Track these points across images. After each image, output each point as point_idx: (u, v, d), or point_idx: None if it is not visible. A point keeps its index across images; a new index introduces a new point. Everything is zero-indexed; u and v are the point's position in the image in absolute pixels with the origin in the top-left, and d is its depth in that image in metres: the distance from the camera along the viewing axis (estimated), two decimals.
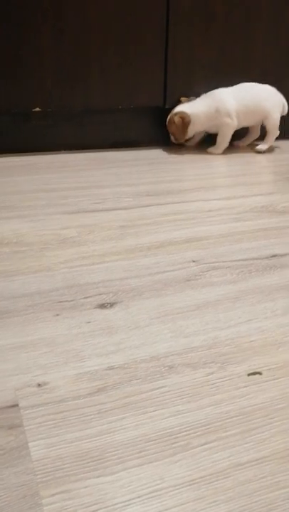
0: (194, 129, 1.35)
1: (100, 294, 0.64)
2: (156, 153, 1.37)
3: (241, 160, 1.33)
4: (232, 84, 1.37)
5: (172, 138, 1.39)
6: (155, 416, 0.44)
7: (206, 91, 1.37)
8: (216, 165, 1.28)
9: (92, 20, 1.21)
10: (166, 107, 1.37)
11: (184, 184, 1.11)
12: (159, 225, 0.87)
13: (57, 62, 1.23)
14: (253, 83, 1.36)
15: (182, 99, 1.36)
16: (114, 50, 1.26)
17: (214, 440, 0.41)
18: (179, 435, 0.42)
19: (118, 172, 1.18)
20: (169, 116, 1.34)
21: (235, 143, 1.48)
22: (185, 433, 0.42)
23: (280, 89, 1.38)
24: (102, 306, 0.61)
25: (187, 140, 1.39)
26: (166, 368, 0.50)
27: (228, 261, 0.74)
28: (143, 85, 1.32)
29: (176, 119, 1.31)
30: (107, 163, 1.26)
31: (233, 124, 1.34)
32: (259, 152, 1.40)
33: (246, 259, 0.75)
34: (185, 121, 1.31)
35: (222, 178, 1.16)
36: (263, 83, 1.38)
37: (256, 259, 0.75)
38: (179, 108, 1.33)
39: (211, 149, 1.38)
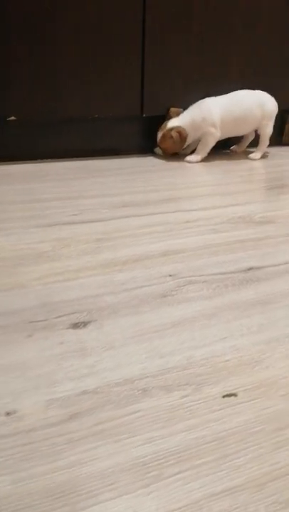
0: (187, 142, 1.35)
1: (74, 313, 0.63)
2: (135, 162, 1.36)
3: (220, 169, 1.33)
4: (209, 91, 1.37)
5: (160, 151, 1.40)
6: (128, 444, 0.43)
7: (183, 99, 1.37)
8: (194, 174, 1.28)
9: (68, 29, 1.20)
10: (144, 115, 1.36)
11: (162, 194, 1.10)
12: (136, 238, 0.86)
13: (33, 71, 1.21)
14: (247, 91, 1.37)
15: (172, 109, 1.35)
16: (91, 59, 1.25)
17: (188, 469, 0.40)
18: (151, 464, 0.41)
19: (96, 182, 1.17)
20: (161, 132, 1.33)
21: (233, 148, 1.49)
22: (158, 462, 0.41)
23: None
24: (76, 325, 0.60)
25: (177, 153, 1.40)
26: (140, 392, 0.49)
27: (204, 275, 0.74)
28: (120, 94, 1.31)
29: (174, 134, 1.33)
30: (85, 173, 1.24)
31: (216, 135, 1.34)
32: (253, 159, 1.43)
33: (223, 273, 0.74)
34: (183, 135, 1.33)
35: (200, 188, 1.16)
36: (240, 88, 1.38)
37: (233, 272, 0.75)
38: (172, 123, 1.32)
39: (189, 158, 1.38)
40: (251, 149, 1.49)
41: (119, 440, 0.43)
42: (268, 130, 1.40)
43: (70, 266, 0.75)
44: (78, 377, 0.51)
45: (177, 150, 1.37)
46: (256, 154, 1.44)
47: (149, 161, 1.38)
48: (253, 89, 1.39)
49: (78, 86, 1.26)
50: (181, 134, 1.32)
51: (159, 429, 0.44)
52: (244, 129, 1.41)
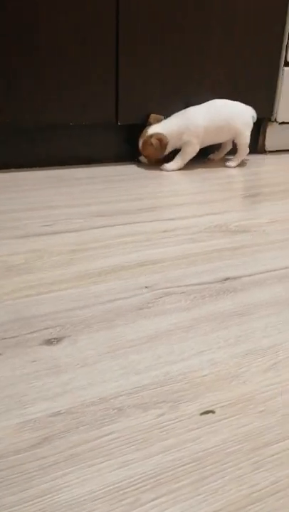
0: (168, 149, 1.34)
1: (47, 328, 0.61)
2: (110, 171, 1.35)
3: (197, 177, 1.33)
4: (185, 100, 1.37)
5: (144, 160, 1.39)
6: (103, 468, 0.41)
7: (158, 107, 1.36)
8: (171, 182, 1.27)
9: (42, 35, 1.18)
10: (119, 123, 1.35)
11: (138, 203, 1.09)
12: (111, 248, 0.85)
13: (7, 78, 1.19)
14: (225, 101, 1.37)
15: (152, 116, 1.34)
16: (66, 66, 1.23)
17: (165, 494, 0.39)
18: (127, 490, 0.39)
19: (70, 191, 1.15)
20: (143, 139, 1.32)
21: (210, 156, 1.49)
22: (134, 487, 0.39)
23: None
24: (49, 342, 0.58)
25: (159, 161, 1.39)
26: (116, 411, 0.47)
27: (181, 286, 0.73)
28: (95, 102, 1.30)
29: (154, 141, 1.31)
30: (59, 182, 1.22)
31: (196, 147, 1.34)
32: (229, 167, 1.43)
33: (200, 284, 0.73)
34: (163, 142, 1.31)
35: (177, 197, 1.15)
36: (215, 97, 1.39)
37: (210, 283, 0.74)
38: (152, 129, 1.31)
39: (167, 166, 1.37)
40: (229, 157, 1.50)
41: (93, 465, 0.41)
42: (245, 140, 1.40)
43: (43, 279, 0.73)
44: (51, 397, 0.49)
45: (159, 157, 1.36)
46: (232, 163, 1.44)
47: (124, 170, 1.37)
48: (229, 99, 1.39)
49: (53, 94, 1.24)
50: (161, 140, 1.31)
51: (135, 452, 0.43)
52: (222, 138, 1.41)
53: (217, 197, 1.16)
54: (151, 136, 1.31)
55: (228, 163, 1.44)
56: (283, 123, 1.62)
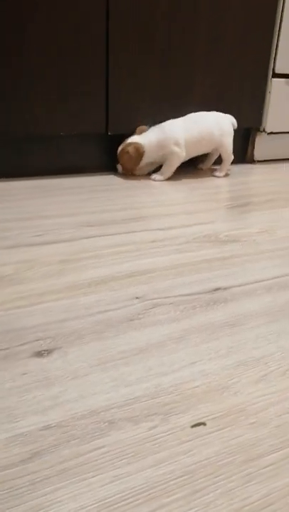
0: (145, 160, 1.34)
1: (38, 340, 0.60)
2: (100, 181, 1.35)
3: (185, 187, 1.33)
4: (174, 110, 1.38)
5: (120, 169, 1.39)
6: (94, 483, 0.41)
7: (148, 117, 1.37)
8: (160, 192, 1.27)
9: (32, 45, 1.18)
10: (109, 133, 1.35)
11: (128, 213, 1.09)
12: (101, 259, 0.84)
13: None
14: (202, 112, 1.39)
15: (138, 128, 1.35)
16: (55, 77, 1.23)
17: (156, 508, 0.38)
18: (119, 505, 0.39)
19: (60, 201, 1.15)
20: (121, 147, 1.33)
21: (199, 166, 1.51)
22: (125, 501, 0.39)
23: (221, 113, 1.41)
24: (39, 354, 0.58)
25: (134, 171, 1.39)
26: (106, 424, 0.47)
27: (171, 296, 0.73)
28: (85, 112, 1.30)
29: (131, 149, 1.32)
30: (49, 192, 1.22)
31: (181, 154, 1.35)
32: (218, 177, 1.45)
33: (190, 294, 0.73)
34: (140, 151, 1.33)
35: (166, 206, 1.15)
36: (205, 107, 1.40)
37: (200, 293, 0.74)
38: (131, 139, 1.32)
39: (155, 176, 1.38)
40: (215, 166, 1.51)
41: (85, 479, 0.41)
42: (227, 148, 1.42)
43: (33, 290, 0.72)
44: (41, 411, 0.49)
45: (133, 166, 1.36)
46: (219, 173, 1.46)
47: (114, 180, 1.38)
48: (218, 109, 1.41)
49: (42, 104, 1.24)
50: (137, 149, 1.31)
51: (126, 466, 0.42)
52: (205, 148, 1.42)
53: (206, 207, 1.16)
54: (129, 144, 1.32)
55: (216, 174, 1.45)
56: (272, 133, 1.63)
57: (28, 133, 1.26)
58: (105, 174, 1.42)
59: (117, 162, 1.40)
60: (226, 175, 1.48)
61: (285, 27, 1.47)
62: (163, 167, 1.38)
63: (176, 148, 1.34)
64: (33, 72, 1.21)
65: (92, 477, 0.41)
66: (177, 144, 1.33)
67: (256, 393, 0.52)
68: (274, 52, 1.50)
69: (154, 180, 1.37)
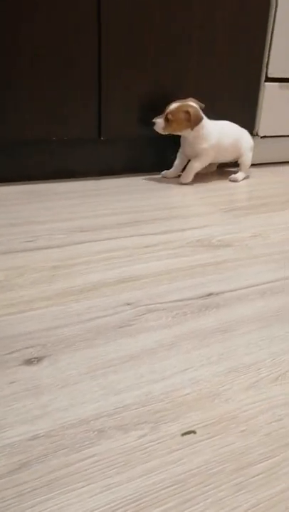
0: (184, 130, 1.33)
1: (27, 348, 0.60)
2: (92, 185, 1.35)
3: (177, 191, 1.33)
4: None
5: (161, 125, 1.32)
6: (83, 493, 0.40)
7: (140, 122, 1.37)
8: (152, 196, 1.27)
9: (24, 50, 1.18)
10: (102, 138, 1.35)
11: (120, 217, 1.09)
12: (93, 264, 0.84)
13: None
14: (230, 123, 1.44)
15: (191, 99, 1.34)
16: (47, 81, 1.23)
17: None
18: None
19: (52, 206, 1.15)
20: (177, 103, 1.30)
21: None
22: None
23: (210, 118, 1.41)
24: (29, 362, 0.57)
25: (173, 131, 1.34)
26: (96, 433, 0.47)
27: (163, 302, 0.72)
28: (77, 117, 1.30)
29: (192, 110, 1.28)
30: (41, 197, 1.22)
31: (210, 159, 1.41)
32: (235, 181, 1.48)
33: (182, 300, 0.73)
34: (198, 118, 1.30)
35: (159, 211, 1.15)
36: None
37: (192, 298, 0.74)
38: (193, 102, 1.32)
39: (183, 179, 1.41)
40: (232, 169, 1.51)
41: (74, 490, 0.41)
42: (248, 161, 1.49)
43: (24, 296, 0.72)
44: (30, 420, 0.48)
45: (180, 129, 1.32)
46: (236, 176, 1.48)
47: (106, 184, 1.37)
48: (212, 114, 1.41)
49: (35, 109, 1.24)
50: (197, 116, 1.30)
51: (116, 475, 0.42)
52: (228, 157, 1.47)
53: (200, 211, 1.16)
54: (190, 106, 1.30)
55: (233, 177, 1.48)
56: (265, 137, 1.64)
57: (20, 138, 1.26)
58: (98, 179, 1.42)
59: (159, 116, 1.33)
60: (219, 179, 1.48)
61: (278, 31, 1.48)
62: (188, 167, 1.40)
63: (210, 151, 1.38)
64: (24, 76, 1.20)
65: (82, 487, 0.41)
66: (212, 147, 1.38)
67: (247, 400, 0.52)
68: (267, 56, 1.51)
69: (184, 182, 1.40)
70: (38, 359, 0.58)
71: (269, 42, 1.49)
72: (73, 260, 0.85)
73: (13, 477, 0.41)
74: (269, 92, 1.55)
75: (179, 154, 1.45)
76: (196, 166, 1.39)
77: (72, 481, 0.41)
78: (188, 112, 1.28)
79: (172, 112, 1.29)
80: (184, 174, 1.40)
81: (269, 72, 1.52)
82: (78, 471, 0.42)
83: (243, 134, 1.46)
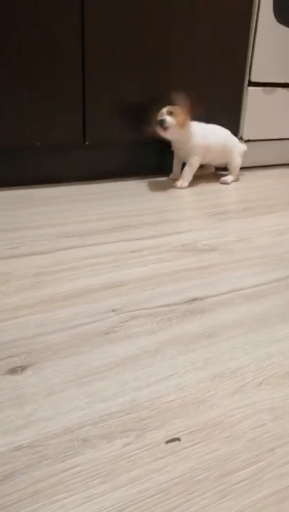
0: (175, 134, 1.34)
1: (11, 356, 0.59)
2: (78, 190, 1.35)
3: (162, 196, 1.34)
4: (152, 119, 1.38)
5: (170, 121, 1.30)
6: (67, 504, 0.40)
7: (124, 126, 1.37)
8: (138, 201, 1.27)
9: (6, 55, 1.17)
10: (87, 143, 1.35)
11: (105, 223, 1.09)
12: (79, 270, 0.84)
13: None
14: (213, 125, 1.46)
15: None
16: (31, 86, 1.23)
17: None
18: None
19: (38, 212, 1.14)
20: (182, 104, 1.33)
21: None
22: None
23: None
24: (13, 371, 0.57)
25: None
26: (80, 442, 0.47)
27: (148, 308, 0.72)
28: (62, 122, 1.30)
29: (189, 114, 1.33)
30: (27, 202, 1.21)
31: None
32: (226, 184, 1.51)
33: (167, 305, 0.73)
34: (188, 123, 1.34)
35: (145, 216, 1.15)
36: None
37: (177, 304, 0.74)
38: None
39: (179, 183, 1.43)
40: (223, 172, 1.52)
41: (57, 501, 0.40)
42: (237, 167, 1.52)
43: (8, 304, 0.71)
44: (14, 430, 0.48)
45: (183, 125, 1.34)
46: (226, 178, 1.52)
47: (92, 189, 1.37)
48: (197, 118, 1.42)
49: (19, 114, 1.24)
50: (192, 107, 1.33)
51: (100, 485, 0.42)
52: (217, 161, 1.50)
53: (185, 215, 1.17)
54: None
55: (223, 179, 1.52)
56: (249, 140, 1.65)
57: (5, 143, 1.25)
58: (84, 184, 1.42)
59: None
60: (203, 184, 1.49)
61: (260, 36, 1.49)
62: (184, 172, 1.43)
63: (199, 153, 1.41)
64: (7, 82, 1.20)
65: (65, 498, 0.41)
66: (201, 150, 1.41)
67: (232, 406, 0.52)
68: (249, 61, 1.52)
69: (180, 187, 1.42)
70: (23, 368, 0.57)
71: (251, 47, 1.50)
72: (59, 266, 0.85)
73: None
74: (252, 96, 1.57)
75: (174, 157, 1.50)
76: (189, 169, 1.41)
77: (56, 492, 0.41)
78: (183, 106, 1.32)
79: (173, 108, 1.32)
80: (180, 180, 1.43)
81: (252, 76, 1.54)
82: (62, 482, 0.42)
83: (232, 138, 1.49)
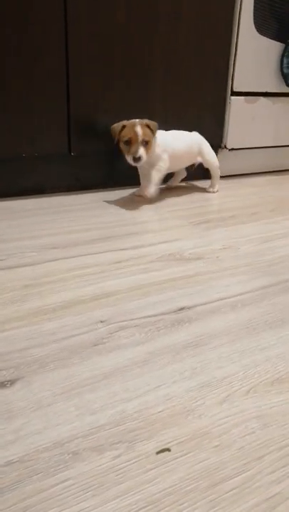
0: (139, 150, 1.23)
1: (0, 370, 0.59)
2: (63, 200, 1.35)
3: (147, 206, 1.34)
4: None
5: (142, 152, 1.23)
6: None
7: (109, 136, 1.38)
8: (124, 212, 1.28)
9: None
10: (72, 154, 1.35)
11: (90, 233, 1.09)
12: (66, 282, 0.84)
13: None
14: (182, 131, 1.43)
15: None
16: (15, 97, 1.23)
17: None
18: None
19: (22, 223, 1.14)
20: (140, 123, 1.23)
21: (168, 184, 1.53)
22: None
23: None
24: (2, 385, 0.57)
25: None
26: (70, 456, 0.47)
27: (136, 318, 0.73)
28: (46, 133, 1.30)
29: (152, 124, 1.25)
30: (11, 214, 1.21)
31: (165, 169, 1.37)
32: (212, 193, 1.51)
33: (154, 315, 0.74)
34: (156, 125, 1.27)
35: (130, 226, 1.16)
36: (166, 126, 1.42)
37: (164, 313, 0.74)
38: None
39: (149, 192, 1.35)
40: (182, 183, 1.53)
41: None
42: (214, 162, 1.49)
43: None
44: (3, 446, 0.48)
45: (144, 160, 1.24)
46: (213, 188, 1.52)
47: (76, 200, 1.38)
48: (181, 127, 1.43)
49: (3, 125, 1.24)
50: (156, 126, 1.27)
51: (90, 499, 0.42)
52: (186, 162, 1.45)
53: (170, 224, 1.18)
54: (143, 120, 1.26)
55: (209, 190, 1.52)
56: (233, 149, 1.67)
57: None
58: (69, 194, 1.42)
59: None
60: (190, 193, 1.50)
61: (242, 46, 1.52)
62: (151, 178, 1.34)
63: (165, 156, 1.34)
64: None
65: None
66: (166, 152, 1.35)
67: (220, 415, 0.52)
68: (232, 70, 1.54)
69: (150, 194, 1.35)
70: (11, 382, 0.57)
71: (233, 57, 1.53)
72: (45, 278, 0.85)
73: None
74: (235, 105, 1.59)
75: (140, 175, 1.43)
76: (155, 174, 1.33)
77: (46, 508, 0.41)
78: (148, 126, 1.24)
79: (144, 133, 1.23)
80: (146, 188, 1.35)
81: (234, 86, 1.56)
82: (52, 497, 0.42)
83: (197, 137, 1.45)
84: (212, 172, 1.51)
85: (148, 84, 1.41)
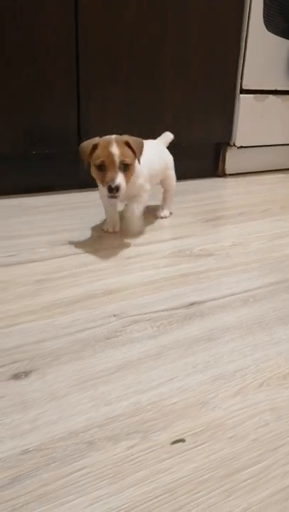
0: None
1: (14, 362, 0.60)
2: (72, 198, 1.36)
3: (157, 203, 1.35)
4: (145, 129, 1.40)
5: (120, 182, 0.89)
6: (75, 506, 0.41)
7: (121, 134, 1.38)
8: None
9: (3, 64, 1.18)
10: None
11: (100, 230, 1.09)
12: (78, 277, 0.85)
13: None
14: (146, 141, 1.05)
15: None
16: (25, 97, 1.24)
17: None
18: None
19: (33, 220, 1.15)
20: (116, 142, 0.91)
21: (158, 214, 1.29)
22: None
23: (188, 130, 1.43)
24: (17, 376, 0.57)
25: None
26: (86, 445, 0.47)
27: (148, 312, 0.73)
28: (56, 131, 1.31)
29: (132, 140, 0.93)
30: (21, 211, 1.22)
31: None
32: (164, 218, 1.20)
33: (166, 310, 0.74)
34: (140, 142, 0.96)
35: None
36: (175, 126, 1.42)
37: (176, 308, 0.75)
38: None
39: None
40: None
41: (66, 502, 0.41)
42: (173, 181, 1.20)
43: (9, 311, 0.72)
44: (20, 435, 0.48)
45: (133, 172, 0.94)
46: (166, 211, 1.21)
47: (86, 197, 1.38)
48: (190, 126, 1.44)
49: (12, 123, 1.25)
50: (139, 144, 0.95)
51: (106, 486, 0.42)
52: (157, 180, 1.15)
53: (180, 221, 1.18)
54: (122, 137, 0.94)
55: (161, 214, 1.20)
56: (241, 147, 1.67)
57: (1, 152, 1.26)
58: (78, 191, 1.43)
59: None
60: (196, 190, 1.50)
61: (251, 43, 1.52)
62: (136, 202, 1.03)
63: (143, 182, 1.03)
64: (3, 90, 1.21)
65: (73, 500, 0.41)
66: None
67: (233, 407, 0.53)
68: (241, 69, 1.54)
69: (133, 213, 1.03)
70: (26, 373, 0.58)
71: (243, 55, 1.53)
72: (57, 273, 0.86)
73: (4, 492, 0.41)
74: (244, 103, 1.59)
75: (106, 210, 1.08)
76: (138, 207, 1.03)
77: (64, 494, 0.42)
78: (127, 144, 0.92)
79: (123, 154, 0.90)
80: (130, 224, 1.06)
81: (244, 84, 1.56)
82: (69, 484, 0.43)
83: (163, 149, 1.17)
84: (169, 193, 1.21)
85: (157, 83, 1.41)
